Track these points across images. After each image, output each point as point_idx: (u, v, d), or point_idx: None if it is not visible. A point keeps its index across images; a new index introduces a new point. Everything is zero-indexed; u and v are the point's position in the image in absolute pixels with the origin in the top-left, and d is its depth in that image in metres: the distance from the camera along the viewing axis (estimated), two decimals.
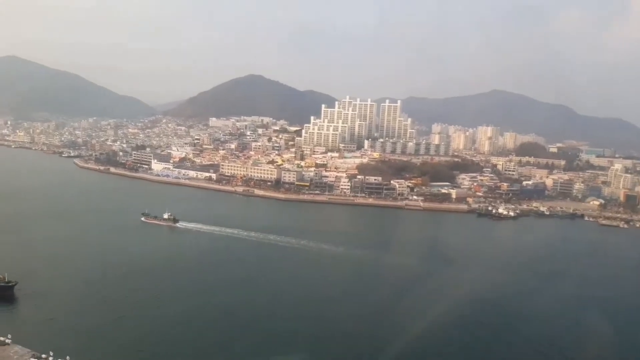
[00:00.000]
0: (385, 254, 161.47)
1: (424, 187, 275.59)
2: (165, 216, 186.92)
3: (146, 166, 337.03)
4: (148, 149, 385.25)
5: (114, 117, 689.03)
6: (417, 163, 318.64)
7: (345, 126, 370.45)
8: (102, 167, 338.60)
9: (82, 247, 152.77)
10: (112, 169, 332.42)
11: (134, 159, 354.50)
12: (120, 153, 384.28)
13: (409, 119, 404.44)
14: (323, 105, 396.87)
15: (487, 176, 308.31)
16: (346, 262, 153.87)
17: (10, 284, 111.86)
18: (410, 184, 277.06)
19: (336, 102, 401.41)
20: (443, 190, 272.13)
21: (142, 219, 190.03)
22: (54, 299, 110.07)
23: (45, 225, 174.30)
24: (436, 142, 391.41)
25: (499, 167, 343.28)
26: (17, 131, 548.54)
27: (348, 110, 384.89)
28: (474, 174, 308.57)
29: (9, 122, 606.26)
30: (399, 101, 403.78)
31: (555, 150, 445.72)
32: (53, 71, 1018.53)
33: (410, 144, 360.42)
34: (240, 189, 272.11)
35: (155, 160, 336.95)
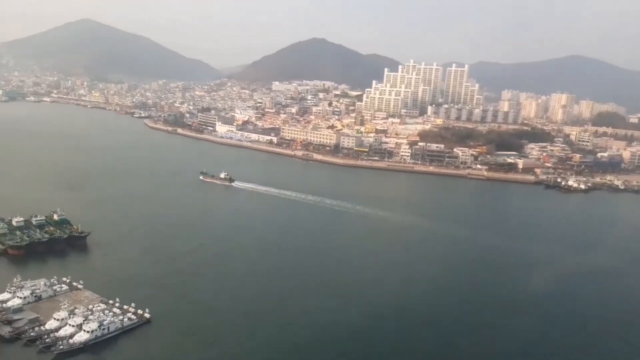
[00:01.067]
0: (446, 224, 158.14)
1: (488, 156, 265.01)
2: (222, 175, 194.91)
3: (211, 128, 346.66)
4: (213, 112, 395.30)
5: (182, 79, 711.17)
6: (483, 131, 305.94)
7: (408, 91, 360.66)
8: (169, 128, 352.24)
9: (147, 203, 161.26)
10: (179, 130, 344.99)
11: (200, 121, 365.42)
12: (187, 115, 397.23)
13: (477, 85, 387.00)
14: (386, 70, 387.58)
15: (558, 146, 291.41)
16: (403, 230, 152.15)
17: (83, 234, 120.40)
18: (474, 152, 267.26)
19: (399, 66, 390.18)
20: (509, 160, 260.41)
21: (201, 177, 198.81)
22: (121, 250, 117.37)
23: (116, 182, 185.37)
24: (505, 109, 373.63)
25: (572, 137, 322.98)
26: (93, 92, 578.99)
27: (412, 74, 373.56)
28: (544, 144, 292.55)
29: (85, 83, 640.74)
30: (466, 65, 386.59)
31: (636, 121, 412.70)
32: (126, 34, 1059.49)
33: (477, 110, 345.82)
34: (299, 153, 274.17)
35: (220, 123, 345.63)
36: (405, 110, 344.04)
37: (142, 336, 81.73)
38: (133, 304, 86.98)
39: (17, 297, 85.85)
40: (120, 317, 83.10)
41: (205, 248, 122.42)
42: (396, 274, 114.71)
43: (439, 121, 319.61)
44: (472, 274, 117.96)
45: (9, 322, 78.65)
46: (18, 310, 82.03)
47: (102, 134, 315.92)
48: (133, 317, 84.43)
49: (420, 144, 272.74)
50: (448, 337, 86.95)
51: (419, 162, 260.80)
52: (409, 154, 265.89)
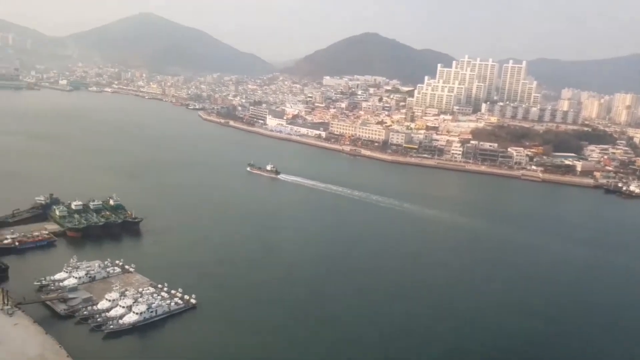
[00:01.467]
0: (498, 226, 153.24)
1: (545, 157, 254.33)
2: (268, 167, 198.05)
3: (261, 121, 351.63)
4: (264, 105, 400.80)
5: (236, 73, 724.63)
6: (540, 130, 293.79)
7: (461, 87, 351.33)
8: (222, 120, 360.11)
9: (198, 191, 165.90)
10: (231, 122, 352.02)
11: (251, 114, 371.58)
12: (239, 107, 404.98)
13: (535, 82, 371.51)
14: (439, 65, 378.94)
15: (620, 149, 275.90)
16: (452, 230, 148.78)
17: (136, 220, 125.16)
18: (529, 153, 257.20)
19: (453, 62, 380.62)
20: (567, 162, 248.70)
21: (248, 169, 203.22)
22: (172, 237, 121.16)
23: (170, 171, 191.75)
24: (565, 108, 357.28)
25: (636, 140, 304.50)
26: (151, 83, 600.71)
27: (466, 70, 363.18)
28: (605, 146, 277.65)
29: (144, 75, 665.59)
30: (524, 62, 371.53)
31: None
32: (184, 28, 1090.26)
33: (534, 109, 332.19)
34: (347, 148, 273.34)
35: (270, 116, 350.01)
36: (458, 107, 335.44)
37: (188, 321, 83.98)
38: (180, 289, 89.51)
39: (73, 277, 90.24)
40: (168, 302, 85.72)
41: (253, 239, 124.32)
42: (457, 280, 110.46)
43: (493, 119, 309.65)
44: (554, 288, 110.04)
45: (64, 300, 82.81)
46: (73, 289, 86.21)
47: (159, 124, 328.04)
48: (180, 302, 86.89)
49: (472, 142, 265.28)
50: None
51: (471, 160, 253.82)
52: (461, 152, 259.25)
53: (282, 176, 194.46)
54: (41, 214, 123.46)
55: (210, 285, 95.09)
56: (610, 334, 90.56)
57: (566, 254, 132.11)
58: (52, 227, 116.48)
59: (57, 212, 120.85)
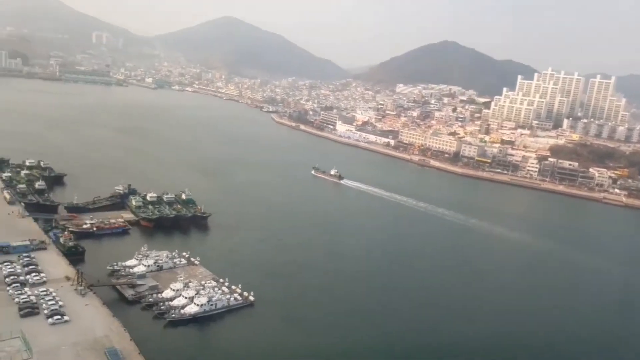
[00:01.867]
0: (572, 250, 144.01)
1: (630, 180, 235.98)
2: (332, 172, 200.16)
3: (331, 126, 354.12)
4: (335, 110, 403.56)
5: (310, 77, 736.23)
6: (626, 151, 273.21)
7: (542, 101, 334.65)
8: (293, 124, 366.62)
9: (265, 191, 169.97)
10: (302, 126, 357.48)
11: (322, 119, 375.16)
12: (311, 112, 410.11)
13: (624, 99, 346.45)
14: (519, 77, 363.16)
15: None
16: (522, 251, 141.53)
17: (205, 215, 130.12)
18: (613, 174, 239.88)
19: (535, 74, 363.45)
20: None
21: (312, 172, 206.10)
22: (237, 234, 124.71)
23: (239, 170, 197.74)
24: None
25: None
26: (229, 85, 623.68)
27: (548, 83, 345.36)
28: None
29: (223, 76, 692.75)
30: (613, 77, 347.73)
31: None
32: (263, 32, 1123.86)
33: (621, 128, 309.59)
34: (415, 158, 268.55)
35: (340, 122, 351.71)
36: (537, 122, 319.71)
37: (245, 317, 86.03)
38: (240, 286, 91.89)
39: (142, 264, 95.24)
40: (227, 296, 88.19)
41: (315, 242, 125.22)
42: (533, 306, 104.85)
43: (575, 136, 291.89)
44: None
45: (133, 286, 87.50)
46: (142, 276, 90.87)
47: (233, 124, 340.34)
48: (239, 297, 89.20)
49: (550, 159, 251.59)
50: None
51: (547, 179, 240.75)
52: (537, 170, 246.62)
53: (345, 181, 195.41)
54: (119, 202, 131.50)
55: (269, 285, 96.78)
56: None
57: None
58: (127, 215, 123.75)
59: (133, 202, 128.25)
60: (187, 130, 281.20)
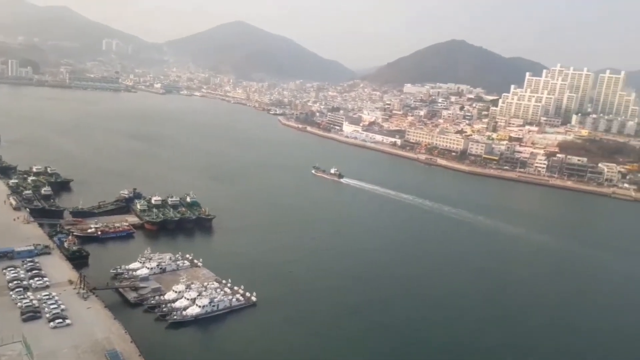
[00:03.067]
0: (581, 248, 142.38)
1: None
2: (332, 171, 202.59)
3: (338, 127, 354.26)
4: (341, 111, 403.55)
5: (318, 79, 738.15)
6: (636, 146, 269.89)
7: (551, 97, 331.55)
8: (300, 126, 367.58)
9: (267, 192, 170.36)
10: (308, 128, 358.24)
11: (328, 120, 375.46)
12: (317, 114, 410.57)
13: (633, 94, 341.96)
14: (527, 74, 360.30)
15: None
16: (528, 247, 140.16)
17: (209, 217, 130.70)
18: (623, 169, 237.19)
19: (544, 71, 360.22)
20: None
21: (313, 171, 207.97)
22: (240, 235, 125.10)
23: (243, 172, 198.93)
24: None
25: None
26: (237, 88, 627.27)
27: (557, 80, 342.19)
28: None
29: (231, 81, 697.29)
30: (622, 72, 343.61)
31: None
32: (272, 35, 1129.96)
33: (631, 122, 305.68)
34: (422, 157, 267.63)
35: (347, 122, 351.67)
36: (545, 118, 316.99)
37: (247, 317, 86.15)
38: (242, 286, 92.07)
39: (146, 267, 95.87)
40: (230, 297, 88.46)
41: (317, 243, 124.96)
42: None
43: (584, 132, 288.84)
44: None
45: (135, 289, 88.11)
46: (144, 279, 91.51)
47: (239, 127, 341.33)
48: (241, 298, 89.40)
49: (559, 155, 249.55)
50: None
51: (556, 175, 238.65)
52: (545, 166, 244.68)
53: (345, 180, 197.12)
54: (124, 206, 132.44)
55: (272, 286, 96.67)
56: None
57: None
58: (132, 219, 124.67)
59: (138, 206, 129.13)
60: (193, 134, 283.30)
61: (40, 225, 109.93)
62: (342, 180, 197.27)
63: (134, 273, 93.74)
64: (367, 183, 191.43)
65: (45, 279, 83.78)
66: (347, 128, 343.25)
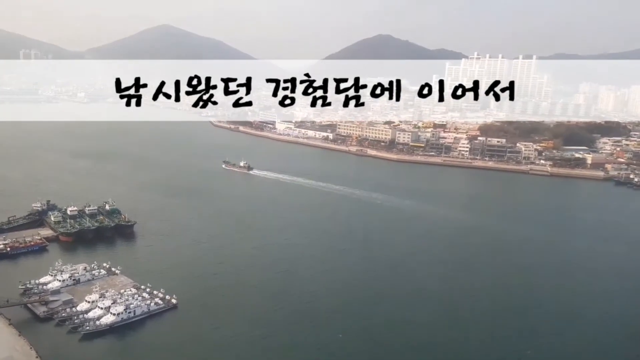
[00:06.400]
0: (501, 222, 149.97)
1: (554, 151, 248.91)
2: (241, 164, 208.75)
3: (271, 126, 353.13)
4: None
5: (253, 80, 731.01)
6: (550, 125, 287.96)
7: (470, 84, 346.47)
8: (232, 126, 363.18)
9: (187, 193, 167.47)
10: (241, 128, 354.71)
11: (260, 120, 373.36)
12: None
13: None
14: (447, 63, 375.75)
15: (635, 140, 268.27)
16: (452, 226, 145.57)
17: (130, 223, 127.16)
18: (538, 147, 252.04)
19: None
20: (577, 155, 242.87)
21: (223, 165, 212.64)
22: (162, 239, 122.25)
23: (167, 177, 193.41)
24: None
25: None
26: None
27: (475, 67, 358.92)
28: (618, 138, 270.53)
29: None
30: (534, 56, 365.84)
31: None
32: (201, 38, 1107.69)
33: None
34: (353, 149, 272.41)
35: (279, 120, 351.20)
36: (466, 104, 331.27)
37: (167, 320, 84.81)
38: (162, 290, 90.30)
39: (57, 280, 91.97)
40: (148, 302, 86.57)
41: (242, 242, 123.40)
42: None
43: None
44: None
45: (46, 303, 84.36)
46: (55, 292, 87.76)
47: (167, 131, 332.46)
48: (160, 302, 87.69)
49: (480, 138, 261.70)
50: None
51: (478, 157, 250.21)
52: (468, 149, 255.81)
53: (254, 172, 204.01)
54: (37, 219, 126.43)
55: (194, 287, 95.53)
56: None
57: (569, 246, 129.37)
58: (45, 232, 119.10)
59: (52, 218, 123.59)
60: (111, 140, 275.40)
61: None
62: (251, 172, 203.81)
63: (45, 287, 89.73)
64: (276, 172, 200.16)
65: None
66: (280, 126, 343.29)
